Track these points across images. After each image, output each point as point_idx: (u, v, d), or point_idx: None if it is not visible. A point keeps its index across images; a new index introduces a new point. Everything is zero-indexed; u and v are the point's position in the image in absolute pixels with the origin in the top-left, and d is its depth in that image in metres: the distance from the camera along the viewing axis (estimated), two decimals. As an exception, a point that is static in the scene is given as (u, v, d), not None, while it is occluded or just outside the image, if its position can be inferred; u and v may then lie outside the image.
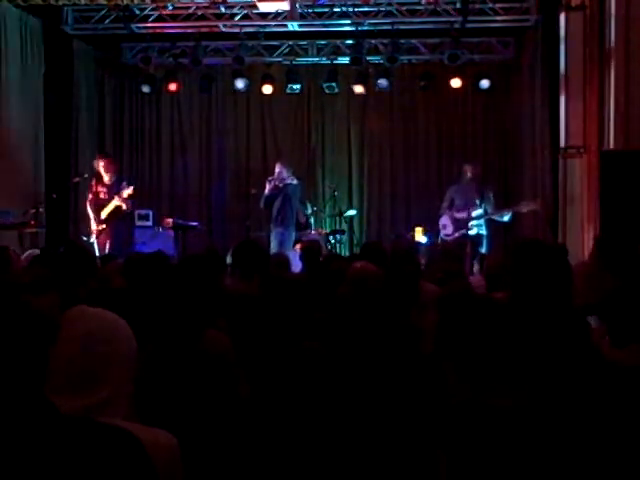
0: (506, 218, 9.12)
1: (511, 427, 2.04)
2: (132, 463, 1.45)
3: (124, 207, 9.06)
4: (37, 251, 6.27)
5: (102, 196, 9.12)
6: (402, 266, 4.46)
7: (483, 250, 8.87)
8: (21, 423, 1.39)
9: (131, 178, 11.85)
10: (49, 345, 1.48)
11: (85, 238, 9.23)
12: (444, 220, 9.45)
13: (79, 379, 1.67)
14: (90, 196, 9.19)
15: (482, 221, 9.08)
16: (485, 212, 9.06)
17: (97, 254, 8.57)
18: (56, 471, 1.38)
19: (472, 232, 9.01)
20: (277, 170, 9.68)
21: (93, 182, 9.27)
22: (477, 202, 9.04)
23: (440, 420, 2.17)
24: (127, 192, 9.05)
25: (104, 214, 9.04)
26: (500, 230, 10.58)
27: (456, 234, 9.21)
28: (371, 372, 2.80)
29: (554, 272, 3.01)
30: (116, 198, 9.00)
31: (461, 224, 9.20)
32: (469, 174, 9.42)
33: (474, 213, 9.08)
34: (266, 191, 9.61)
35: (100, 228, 9.05)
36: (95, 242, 8.99)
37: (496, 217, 9.10)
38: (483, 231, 9.13)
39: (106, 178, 9.16)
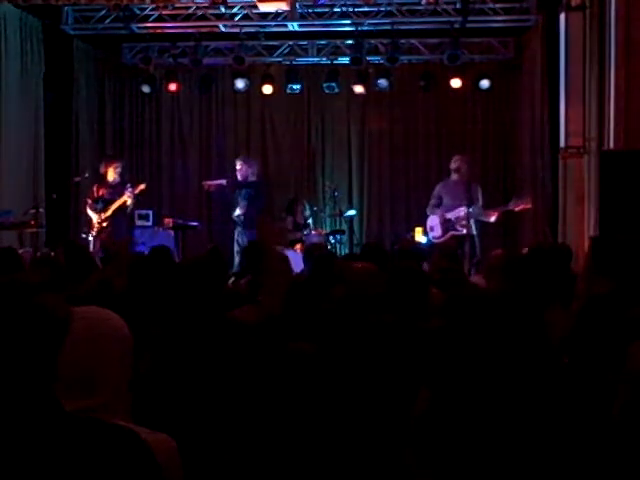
0: (492, 219, 8.83)
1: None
2: (140, 463, 1.46)
3: (128, 202, 9.12)
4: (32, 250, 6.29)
5: (107, 197, 9.18)
6: (410, 266, 4.39)
7: (476, 250, 8.61)
8: (33, 421, 1.40)
9: (131, 178, 11.89)
10: (60, 344, 1.48)
11: (84, 235, 9.26)
12: (432, 221, 9.14)
13: (77, 381, 1.66)
14: (89, 201, 9.25)
15: (472, 221, 8.75)
16: (474, 211, 8.64)
17: (99, 251, 8.71)
18: (64, 470, 1.38)
19: (463, 232, 8.68)
20: (238, 167, 9.66)
21: (95, 187, 9.32)
22: (466, 201, 8.62)
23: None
24: (140, 188, 9.21)
25: (110, 211, 9.10)
26: (499, 229, 10.60)
27: (445, 236, 8.93)
28: (371, 374, 2.80)
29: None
30: (127, 194, 9.07)
31: (450, 225, 8.93)
32: (453, 165, 9.11)
33: (463, 213, 8.71)
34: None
35: (104, 224, 9.09)
36: (93, 239, 9.02)
37: (482, 218, 8.80)
38: (473, 231, 8.70)
39: (111, 179, 9.25)
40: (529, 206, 8.72)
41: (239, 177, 9.69)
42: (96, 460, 1.40)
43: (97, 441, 1.43)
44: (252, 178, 9.64)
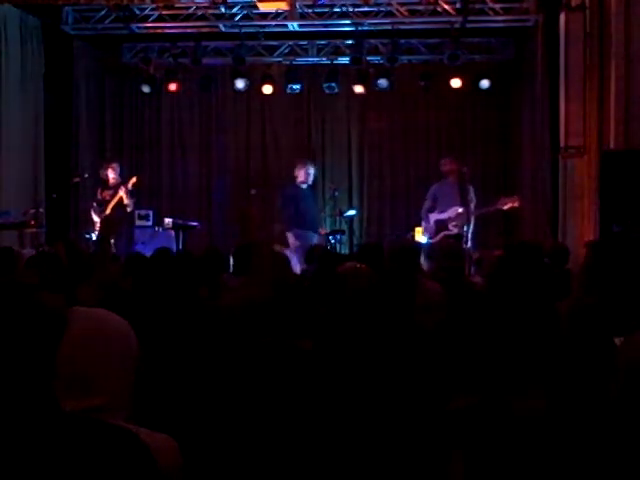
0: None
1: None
2: (138, 465, 1.45)
3: (125, 201, 9.21)
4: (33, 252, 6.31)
5: (108, 198, 9.38)
6: (399, 264, 4.42)
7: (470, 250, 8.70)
8: (30, 421, 1.40)
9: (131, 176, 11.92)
10: (58, 343, 1.48)
11: (87, 235, 9.44)
12: (426, 222, 9.32)
13: (77, 381, 1.66)
14: (94, 204, 9.46)
15: (464, 220, 8.80)
16: (467, 211, 8.79)
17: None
18: (60, 471, 1.38)
19: (454, 232, 8.85)
20: (310, 172, 9.70)
21: (98, 190, 9.54)
22: (459, 201, 8.85)
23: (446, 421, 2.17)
24: (132, 182, 9.33)
25: (108, 210, 9.27)
26: (500, 229, 10.60)
27: (439, 236, 9.05)
28: (366, 371, 2.80)
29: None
30: (121, 189, 9.21)
31: (442, 225, 9.05)
32: (443, 168, 9.33)
33: (455, 213, 8.93)
34: None
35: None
36: (95, 239, 9.21)
37: (475, 215, 8.94)
38: (465, 231, 8.78)
39: (111, 181, 9.44)
40: (517, 204, 8.78)
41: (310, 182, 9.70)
42: (93, 461, 1.40)
43: (95, 442, 1.43)
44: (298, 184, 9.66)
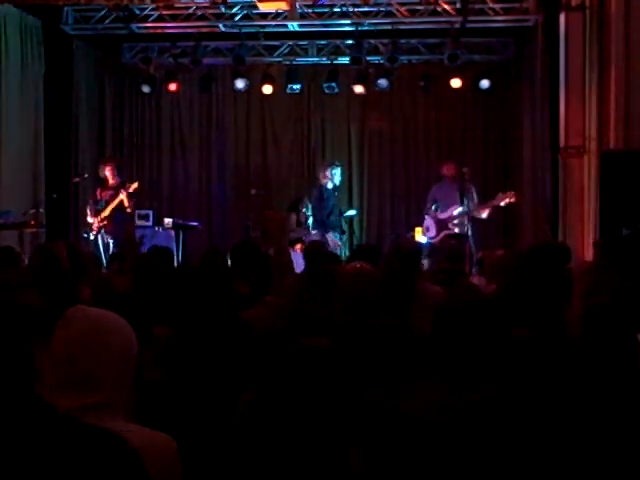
0: (484, 215, 9.03)
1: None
2: (123, 468, 1.44)
3: (126, 203, 9.18)
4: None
5: (107, 198, 9.33)
6: (400, 265, 4.40)
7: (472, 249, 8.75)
8: (11, 424, 1.39)
9: (131, 178, 11.91)
10: (32, 341, 1.48)
11: (86, 235, 9.41)
12: (427, 222, 9.40)
13: (77, 379, 1.67)
14: (90, 201, 9.43)
15: (465, 220, 8.93)
16: (467, 210, 8.90)
17: (101, 249, 8.90)
18: (37, 472, 1.37)
19: (455, 231, 8.94)
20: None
21: (98, 190, 9.48)
22: (459, 201, 8.94)
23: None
24: (133, 186, 9.27)
25: (107, 211, 9.21)
26: (499, 229, 10.60)
27: (440, 235, 9.13)
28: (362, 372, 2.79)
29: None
30: (122, 193, 9.15)
31: (443, 224, 9.12)
32: (442, 172, 9.46)
33: (455, 212, 9.01)
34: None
35: (102, 224, 9.19)
36: (97, 237, 9.19)
37: (475, 214, 9.00)
38: (467, 230, 8.88)
39: (111, 181, 9.38)
40: (514, 200, 8.88)
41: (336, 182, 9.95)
42: (76, 464, 1.39)
43: (79, 445, 1.42)
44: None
